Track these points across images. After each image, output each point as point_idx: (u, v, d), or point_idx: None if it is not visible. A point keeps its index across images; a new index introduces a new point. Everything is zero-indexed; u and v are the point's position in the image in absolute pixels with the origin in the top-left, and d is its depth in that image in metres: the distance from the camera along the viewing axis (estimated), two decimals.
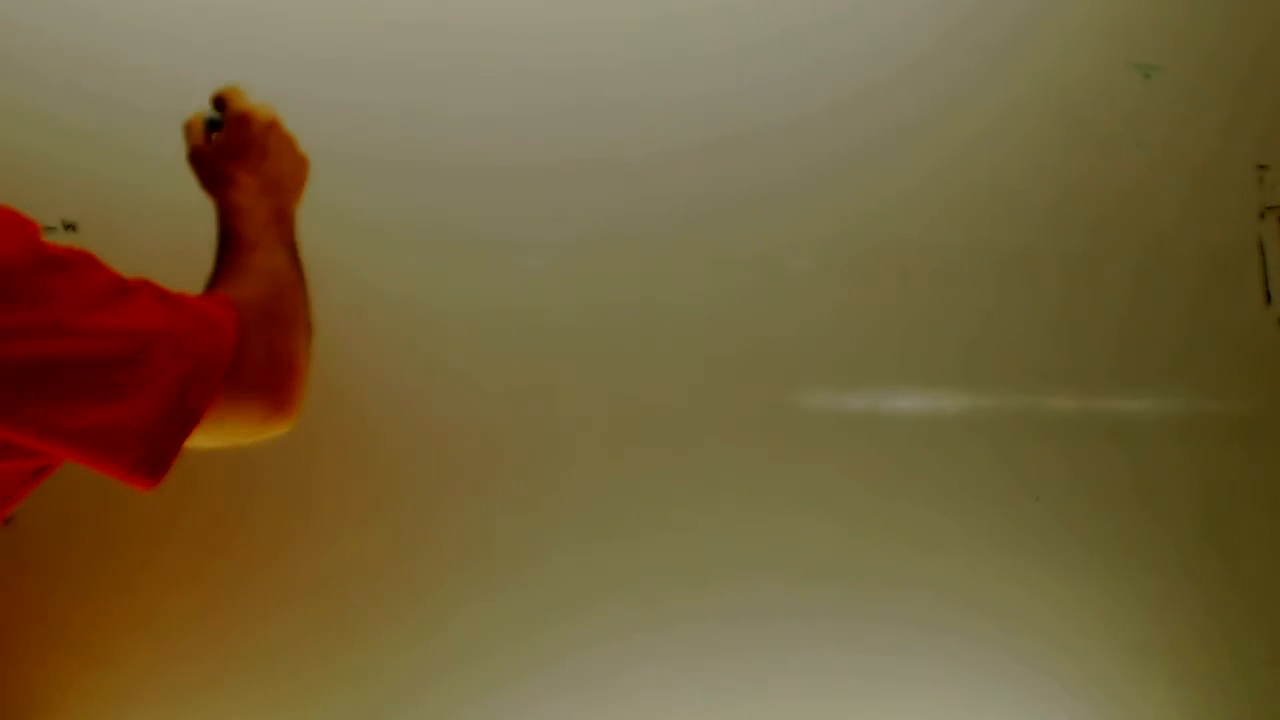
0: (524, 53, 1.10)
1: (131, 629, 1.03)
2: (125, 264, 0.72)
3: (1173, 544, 1.08)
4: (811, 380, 1.10)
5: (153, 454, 0.72)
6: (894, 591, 1.07)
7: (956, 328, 1.10)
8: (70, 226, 1.04)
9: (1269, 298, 1.11)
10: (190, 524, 1.03)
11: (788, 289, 1.10)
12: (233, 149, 0.90)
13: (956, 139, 1.12)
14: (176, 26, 1.07)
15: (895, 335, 1.10)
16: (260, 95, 1.05)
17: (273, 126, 0.93)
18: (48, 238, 0.69)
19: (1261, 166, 1.12)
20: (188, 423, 0.73)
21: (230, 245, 0.87)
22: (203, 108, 0.92)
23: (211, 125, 0.92)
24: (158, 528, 1.03)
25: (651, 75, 1.11)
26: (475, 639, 1.06)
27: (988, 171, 1.11)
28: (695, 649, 1.07)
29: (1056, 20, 1.14)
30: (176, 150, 1.04)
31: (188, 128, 0.93)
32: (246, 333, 0.77)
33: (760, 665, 1.07)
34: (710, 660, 1.07)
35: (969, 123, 1.12)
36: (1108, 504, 1.08)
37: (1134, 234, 1.11)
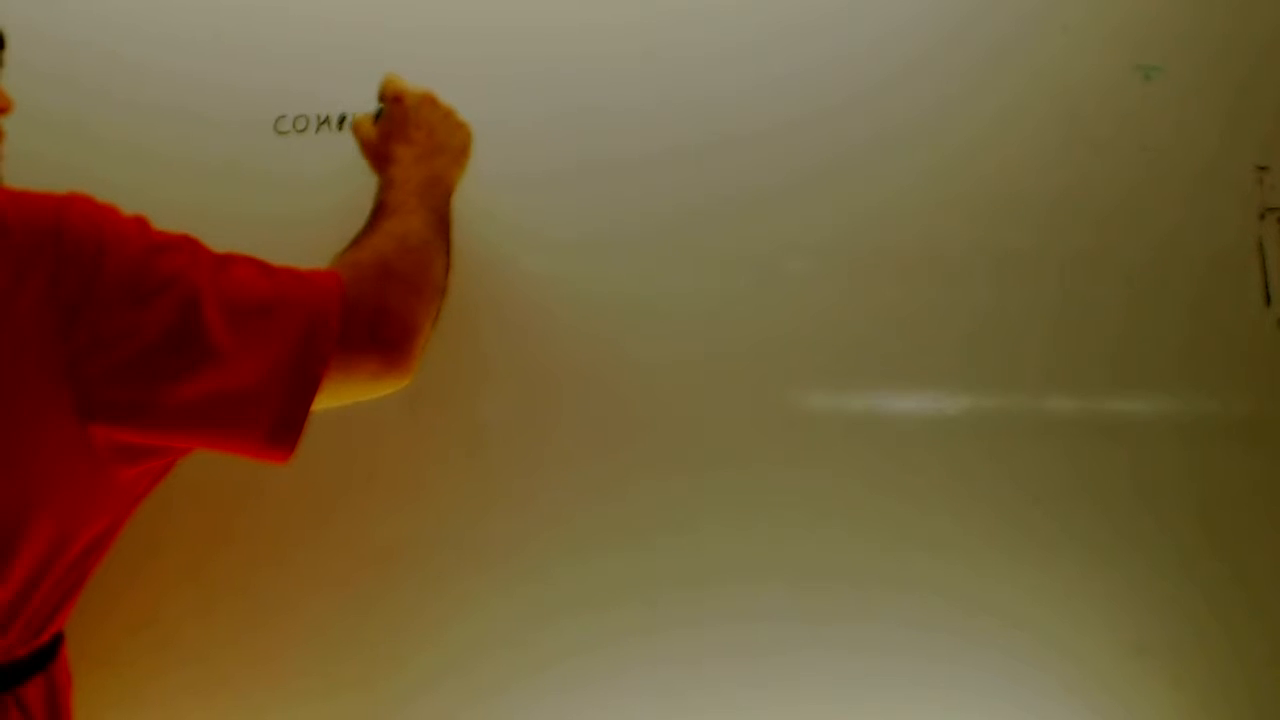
0: (522, 56, 1.11)
1: (132, 630, 1.03)
2: None
3: (1173, 544, 1.08)
4: (811, 381, 1.10)
5: (283, 423, 0.73)
6: (893, 592, 1.07)
7: (956, 328, 1.10)
8: None
9: (1269, 299, 1.11)
10: (190, 525, 1.03)
11: (787, 290, 1.10)
12: (390, 128, 0.94)
13: (956, 139, 1.12)
14: (178, 26, 1.08)
15: (895, 336, 1.10)
16: (260, 97, 1.05)
17: (426, 99, 0.96)
18: None
19: (1261, 168, 1.12)
20: (310, 385, 0.73)
21: (373, 213, 0.89)
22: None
23: (378, 116, 0.96)
24: (157, 528, 1.02)
25: (650, 76, 1.11)
26: (477, 642, 1.06)
27: (988, 172, 1.11)
28: (695, 651, 1.07)
29: (1057, 20, 1.14)
30: (177, 148, 1.05)
31: (356, 127, 0.97)
32: (355, 291, 0.78)
33: (760, 667, 1.07)
34: (710, 662, 1.07)
35: (969, 123, 1.12)
36: (1108, 504, 1.08)
37: (1134, 234, 1.11)
